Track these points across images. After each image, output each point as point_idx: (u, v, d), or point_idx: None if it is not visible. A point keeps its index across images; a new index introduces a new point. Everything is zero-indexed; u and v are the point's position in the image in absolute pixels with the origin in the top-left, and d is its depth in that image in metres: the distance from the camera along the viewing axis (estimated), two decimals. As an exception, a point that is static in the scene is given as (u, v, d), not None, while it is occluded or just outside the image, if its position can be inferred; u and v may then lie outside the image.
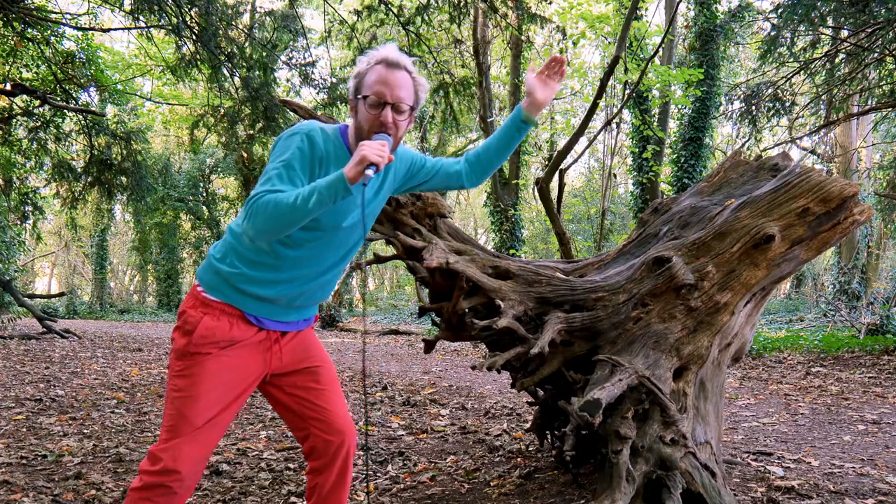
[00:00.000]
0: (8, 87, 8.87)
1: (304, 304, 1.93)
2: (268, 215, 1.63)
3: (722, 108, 12.01)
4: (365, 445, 3.73)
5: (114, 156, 10.66)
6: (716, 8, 12.62)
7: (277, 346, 1.92)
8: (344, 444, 1.97)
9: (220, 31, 8.12)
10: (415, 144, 22.37)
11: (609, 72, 6.31)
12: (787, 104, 9.30)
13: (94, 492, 2.96)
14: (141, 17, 7.90)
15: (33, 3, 8.82)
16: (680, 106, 12.93)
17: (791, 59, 8.68)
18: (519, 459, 3.45)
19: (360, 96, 1.79)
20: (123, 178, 10.86)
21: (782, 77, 9.12)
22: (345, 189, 1.62)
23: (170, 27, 7.80)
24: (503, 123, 2.09)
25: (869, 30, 7.38)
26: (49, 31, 8.97)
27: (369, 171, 1.62)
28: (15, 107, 10.00)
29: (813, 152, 17.02)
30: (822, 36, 8.46)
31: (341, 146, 1.83)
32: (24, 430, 4.20)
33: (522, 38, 14.27)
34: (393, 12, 8.74)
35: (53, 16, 8.83)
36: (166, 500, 1.75)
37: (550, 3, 10.55)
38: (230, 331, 1.82)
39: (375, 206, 1.98)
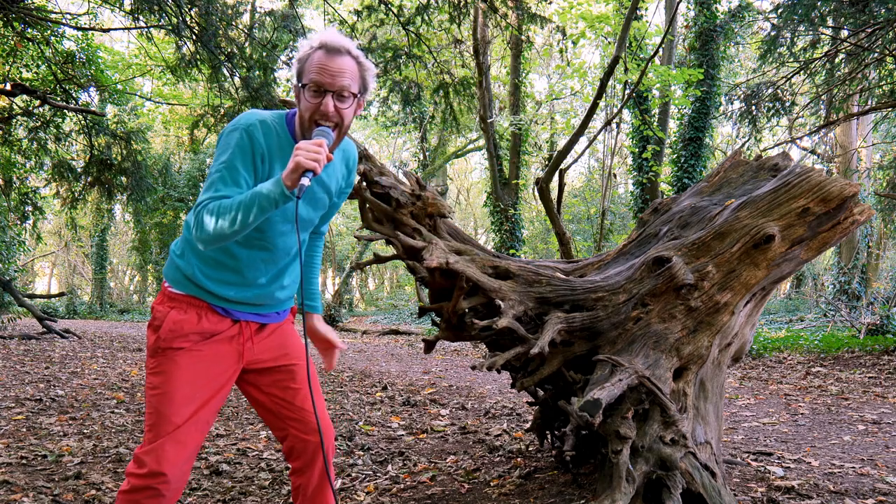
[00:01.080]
0: (8, 87, 8.87)
1: (266, 303, 1.91)
2: (213, 226, 1.63)
3: (722, 108, 12.02)
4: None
5: (114, 156, 10.66)
6: (716, 8, 12.62)
7: (250, 341, 1.89)
8: (323, 442, 1.94)
9: (220, 31, 8.12)
10: (415, 144, 22.38)
11: (609, 72, 6.31)
12: (787, 104, 9.30)
13: (94, 492, 2.96)
14: (141, 17, 7.90)
15: (33, 3, 8.82)
16: (680, 106, 12.94)
17: (791, 59, 8.68)
18: (519, 459, 3.45)
19: (300, 83, 1.72)
20: (123, 178, 10.86)
21: (782, 77, 9.12)
22: (284, 197, 1.60)
23: (170, 27, 7.80)
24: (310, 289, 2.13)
25: (869, 30, 7.38)
26: (49, 31, 8.97)
27: (304, 180, 1.58)
28: (15, 107, 10.00)
29: (813, 152, 17.02)
30: (822, 36, 8.45)
31: (286, 135, 1.78)
32: (24, 430, 4.20)
33: (522, 38, 14.27)
34: (393, 12, 8.74)
35: (53, 16, 8.83)
36: (155, 503, 1.73)
37: (550, 3, 10.55)
38: (199, 323, 1.81)
39: (323, 192, 1.89)
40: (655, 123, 12.28)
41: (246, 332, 1.89)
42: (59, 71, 9.40)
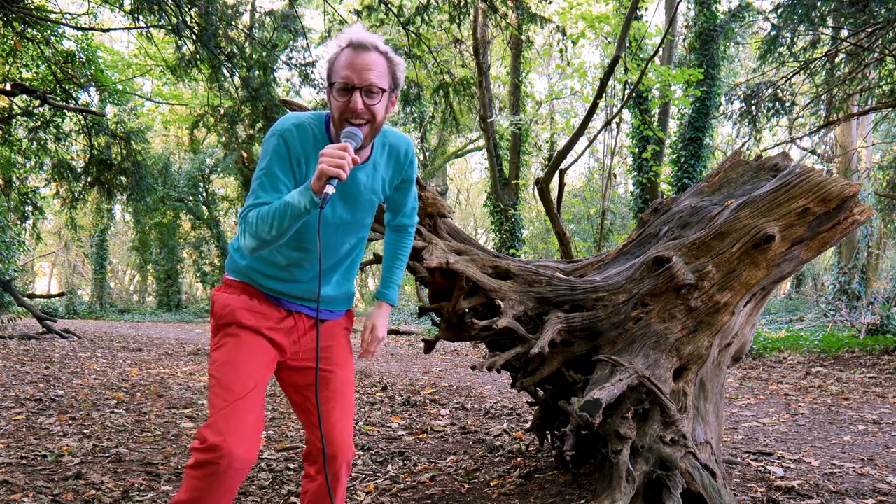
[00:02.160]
0: (8, 87, 8.87)
1: (314, 299, 1.93)
2: (254, 234, 1.68)
3: (722, 108, 12.01)
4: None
5: (114, 156, 10.67)
6: (716, 8, 12.62)
7: (306, 336, 1.94)
8: (336, 458, 1.91)
9: (220, 31, 8.12)
10: (415, 144, 22.37)
11: (609, 72, 6.31)
12: (787, 104, 9.30)
13: (93, 492, 2.96)
14: (141, 17, 7.90)
15: (33, 3, 8.82)
16: (680, 106, 12.94)
17: (791, 59, 8.67)
18: (519, 459, 3.45)
19: (329, 83, 1.73)
20: (123, 178, 10.86)
21: (782, 77, 9.12)
22: (313, 204, 1.61)
23: (170, 27, 7.80)
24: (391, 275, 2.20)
25: (869, 30, 7.38)
26: (49, 31, 8.97)
27: (329, 188, 1.59)
28: (15, 107, 10.00)
29: (813, 152, 17.02)
30: (822, 36, 8.45)
31: (323, 136, 1.79)
32: (24, 430, 4.19)
33: (522, 38, 14.27)
34: (393, 12, 8.74)
35: (53, 16, 8.83)
36: (216, 480, 1.70)
37: (550, 2, 10.55)
38: (250, 301, 1.87)
39: (368, 192, 1.88)
40: (655, 123, 12.28)
41: (300, 326, 1.93)
42: (58, 71, 9.40)
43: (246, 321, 1.85)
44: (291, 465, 3.45)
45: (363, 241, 2.01)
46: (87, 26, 9.17)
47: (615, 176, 17.52)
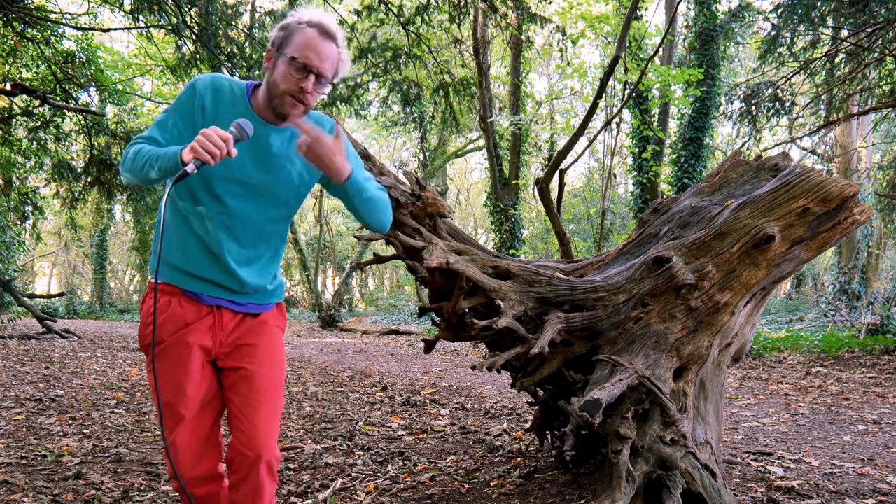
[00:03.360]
0: (8, 87, 8.86)
1: (234, 288, 1.86)
2: (129, 164, 1.71)
3: (722, 108, 12.01)
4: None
5: (114, 156, 10.66)
6: (716, 8, 12.62)
7: (222, 332, 1.86)
8: (258, 461, 1.82)
9: (220, 31, 8.12)
10: (415, 144, 22.38)
11: (609, 72, 6.31)
12: (787, 104, 9.30)
13: (93, 492, 2.96)
14: (141, 17, 7.90)
15: (33, 3, 8.82)
16: (680, 106, 12.93)
17: (791, 59, 8.67)
18: (519, 459, 3.45)
19: (283, 53, 1.73)
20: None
21: (782, 77, 9.12)
22: (176, 167, 1.62)
23: (170, 27, 7.80)
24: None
25: (869, 30, 7.38)
26: (49, 31, 8.96)
27: (190, 167, 1.59)
28: (15, 107, 9.99)
29: (813, 152, 17.01)
30: (822, 36, 8.45)
31: (243, 98, 1.80)
32: (24, 430, 4.19)
33: (522, 38, 14.26)
34: (393, 12, 8.74)
35: (53, 16, 8.83)
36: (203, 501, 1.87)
37: (550, 2, 10.55)
38: (169, 308, 1.82)
39: (283, 159, 1.85)
40: (655, 123, 12.28)
41: (223, 323, 1.86)
42: (58, 71, 9.40)
43: (167, 336, 1.82)
44: (291, 465, 3.45)
45: (286, 224, 1.94)
46: (87, 26, 9.17)
47: (615, 176, 17.52)
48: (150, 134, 1.75)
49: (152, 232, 25.67)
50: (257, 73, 8.96)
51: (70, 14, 8.94)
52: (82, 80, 9.98)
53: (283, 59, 1.73)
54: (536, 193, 7.52)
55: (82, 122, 10.18)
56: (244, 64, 8.63)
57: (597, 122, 13.80)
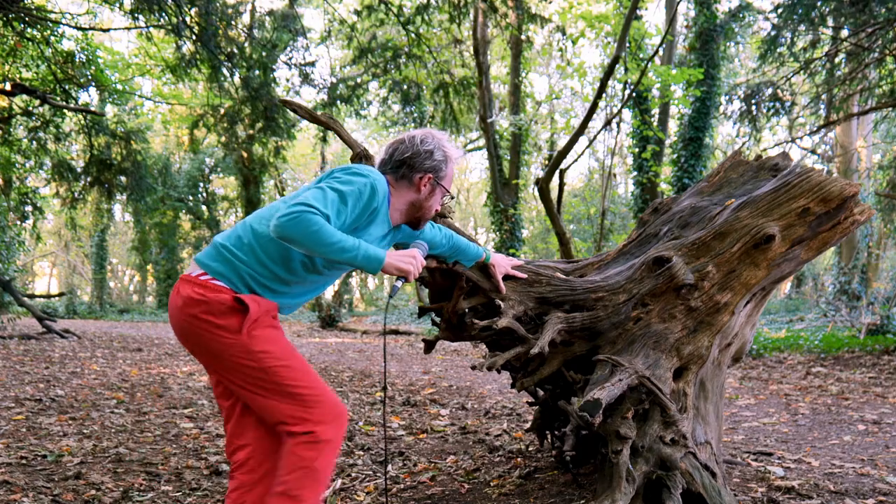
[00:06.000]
0: (8, 87, 8.87)
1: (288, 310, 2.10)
2: (307, 234, 1.71)
3: (722, 108, 12.02)
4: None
5: (114, 156, 10.68)
6: (716, 8, 12.62)
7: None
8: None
9: (220, 31, 8.12)
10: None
11: (609, 72, 6.31)
12: (787, 104, 9.31)
13: (93, 492, 2.96)
14: (141, 17, 7.90)
15: (33, 3, 8.82)
16: (680, 106, 12.94)
17: (791, 59, 8.68)
18: (519, 459, 3.45)
19: (441, 184, 2.07)
20: (123, 178, 10.87)
21: (782, 77, 9.12)
22: (367, 268, 1.84)
23: (170, 27, 7.80)
24: (467, 250, 2.53)
25: (869, 29, 7.38)
26: (49, 31, 8.97)
27: (398, 283, 1.96)
28: (15, 107, 10.00)
29: (813, 152, 17.02)
30: (822, 36, 8.45)
31: (386, 204, 2.01)
32: (24, 430, 4.19)
33: (522, 37, 14.27)
34: (393, 12, 8.74)
35: (53, 16, 8.83)
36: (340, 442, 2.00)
37: (550, 2, 10.56)
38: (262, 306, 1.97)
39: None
40: (655, 123, 12.28)
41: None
42: (58, 71, 9.40)
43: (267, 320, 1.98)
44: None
45: None
46: (87, 26, 9.18)
47: (615, 176, 17.53)
48: (325, 211, 1.77)
49: (152, 232, 25.61)
50: (257, 72, 8.96)
51: (70, 14, 8.94)
52: (82, 80, 9.99)
53: (440, 190, 2.09)
54: (536, 193, 7.52)
55: (82, 122, 10.19)
56: (244, 64, 8.63)
57: (597, 122, 13.81)
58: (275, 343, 1.90)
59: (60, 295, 14.51)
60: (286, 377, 1.87)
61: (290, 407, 1.86)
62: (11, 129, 10.53)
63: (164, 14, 7.59)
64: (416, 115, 17.70)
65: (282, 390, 1.86)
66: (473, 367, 2.79)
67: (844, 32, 8.06)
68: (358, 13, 9.23)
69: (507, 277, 2.78)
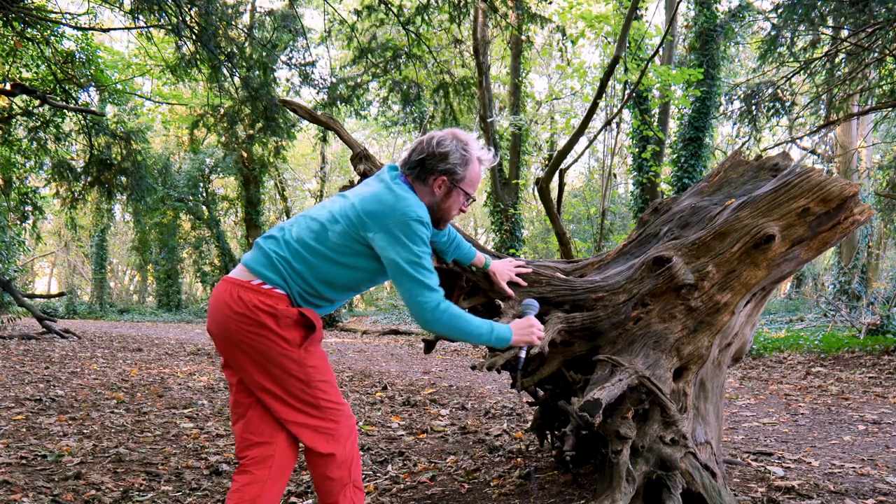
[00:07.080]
0: (8, 86, 8.86)
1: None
2: (451, 330, 1.99)
3: (722, 108, 12.01)
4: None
5: (113, 156, 10.67)
6: (716, 8, 12.62)
7: None
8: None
9: (220, 31, 8.12)
10: (415, 144, 22.33)
11: (609, 72, 6.31)
12: (787, 104, 9.30)
13: (93, 492, 2.96)
14: (141, 17, 7.90)
15: (33, 2, 8.82)
16: (680, 106, 12.94)
17: (791, 59, 8.68)
18: (519, 459, 3.45)
19: (459, 186, 2.07)
20: (123, 178, 10.87)
21: (782, 77, 9.12)
22: (499, 345, 2.11)
23: (170, 27, 7.80)
24: (462, 246, 2.55)
25: (869, 29, 7.37)
26: (49, 31, 8.97)
27: (522, 353, 2.20)
28: (15, 107, 10.00)
29: (813, 152, 17.01)
30: (822, 36, 8.45)
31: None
32: (24, 430, 4.19)
33: (522, 37, 14.27)
34: (393, 12, 8.74)
35: (53, 16, 8.83)
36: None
37: (550, 2, 10.56)
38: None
39: None
40: (655, 123, 12.28)
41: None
42: (58, 71, 9.40)
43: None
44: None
45: None
46: (87, 26, 9.17)
47: (615, 176, 17.53)
48: (431, 282, 1.95)
49: (152, 232, 25.58)
50: (257, 72, 8.96)
51: (70, 14, 8.94)
52: (82, 80, 9.98)
53: (459, 192, 2.09)
54: (536, 193, 7.53)
55: (82, 122, 10.18)
56: (244, 64, 8.63)
57: (597, 122, 13.81)
58: (322, 360, 2.02)
59: (60, 295, 14.50)
60: (323, 391, 1.98)
61: (316, 420, 1.97)
62: (11, 129, 10.53)
63: (164, 14, 7.59)
64: (416, 115, 17.69)
65: (315, 403, 1.96)
66: (473, 368, 2.79)
67: (844, 32, 8.06)
68: (358, 13, 9.23)
69: (511, 284, 2.77)
